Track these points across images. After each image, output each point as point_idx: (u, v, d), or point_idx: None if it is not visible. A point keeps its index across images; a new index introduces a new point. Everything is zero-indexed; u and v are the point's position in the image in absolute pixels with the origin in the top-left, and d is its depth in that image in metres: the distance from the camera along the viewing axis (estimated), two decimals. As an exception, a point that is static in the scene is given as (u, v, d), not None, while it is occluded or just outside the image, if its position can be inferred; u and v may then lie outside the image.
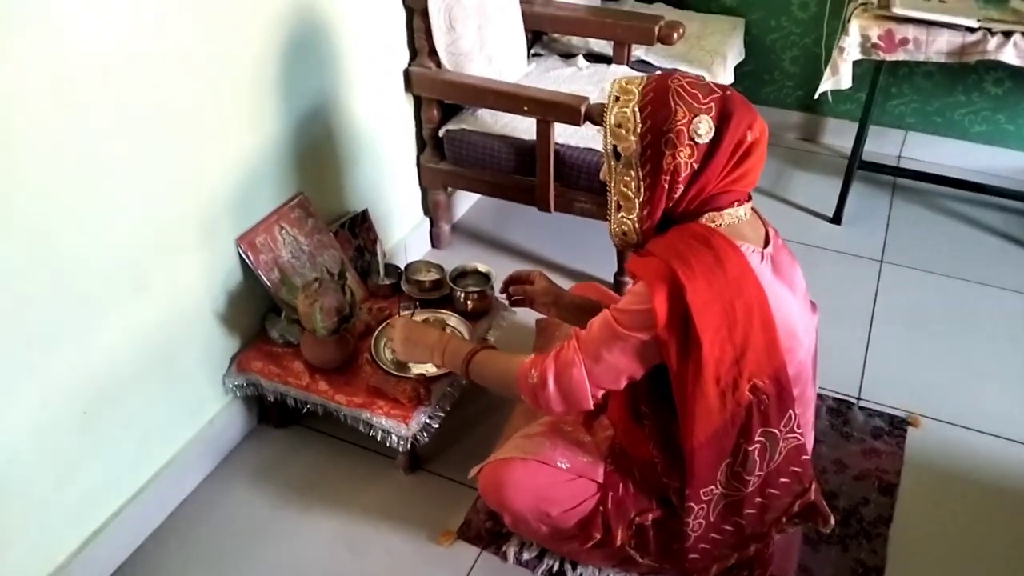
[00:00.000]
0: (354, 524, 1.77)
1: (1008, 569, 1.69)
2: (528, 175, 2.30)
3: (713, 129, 1.26)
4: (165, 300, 1.64)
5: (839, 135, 3.18)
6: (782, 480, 1.41)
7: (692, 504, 1.38)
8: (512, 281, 1.81)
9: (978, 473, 1.89)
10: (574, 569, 1.65)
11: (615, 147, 1.32)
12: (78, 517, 1.59)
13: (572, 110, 2.08)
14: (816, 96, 2.55)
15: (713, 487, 1.38)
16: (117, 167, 1.45)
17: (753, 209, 1.39)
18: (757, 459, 1.36)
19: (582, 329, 1.39)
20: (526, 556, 1.68)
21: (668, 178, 1.29)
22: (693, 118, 1.25)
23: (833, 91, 2.51)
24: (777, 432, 1.36)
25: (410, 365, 1.82)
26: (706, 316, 1.26)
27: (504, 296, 1.84)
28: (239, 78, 1.68)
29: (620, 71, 2.58)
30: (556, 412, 1.43)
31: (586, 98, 2.10)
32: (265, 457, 1.92)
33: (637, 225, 1.36)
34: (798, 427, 1.39)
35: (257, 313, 1.90)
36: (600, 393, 1.39)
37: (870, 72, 2.56)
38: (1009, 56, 2.25)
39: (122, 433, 1.63)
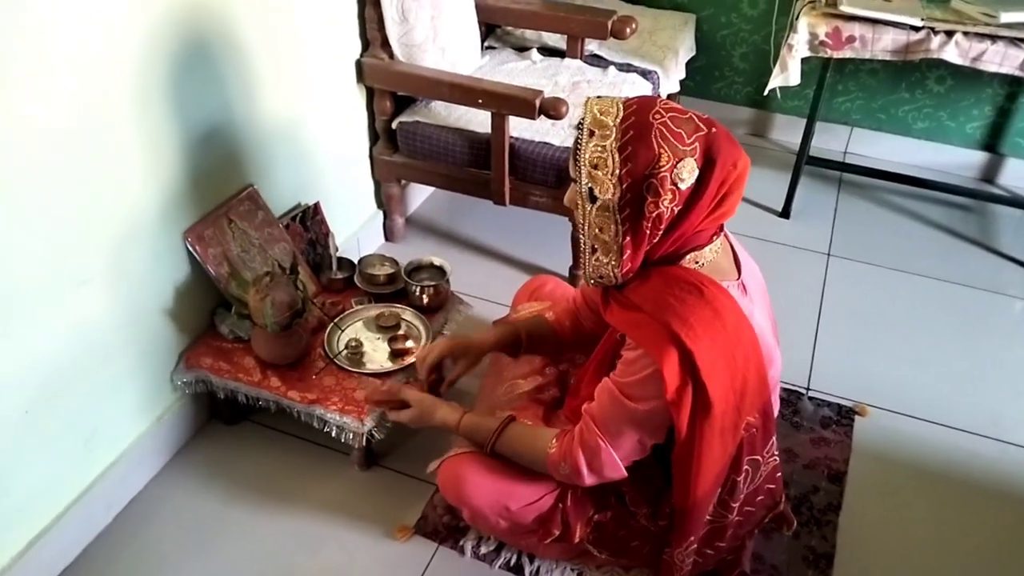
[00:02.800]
0: (309, 521, 1.74)
1: (953, 554, 1.74)
2: (483, 168, 2.28)
3: (697, 172, 1.17)
4: (109, 295, 1.59)
5: (787, 131, 3.23)
6: (759, 498, 1.44)
7: (692, 543, 1.40)
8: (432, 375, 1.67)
9: (924, 460, 1.94)
10: (531, 562, 1.65)
11: (591, 189, 1.20)
12: (21, 518, 1.53)
13: (527, 104, 2.08)
14: (765, 93, 2.59)
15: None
16: (55, 160, 1.40)
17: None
18: (742, 485, 1.38)
19: (590, 404, 1.35)
20: (484, 550, 1.68)
21: (650, 224, 1.20)
22: (677, 163, 1.15)
23: (781, 88, 2.55)
24: (760, 458, 1.38)
25: (364, 361, 1.80)
26: (714, 375, 1.22)
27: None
28: (181, 67, 1.63)
29: (574, 65, 2.59)
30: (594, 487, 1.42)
31: (541, 92, 2.10)
32: (216, 454, 1.88)
33: (617, 270, 1.26)
34: (776, 449, 1.41)
35: (206, 308, 1.86)
36: (631, 462, 1.36)
37: (817, 69, 2.61)
38: (951, 55, 2.31)
39: (66, 432, 1.58)
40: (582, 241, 1.27)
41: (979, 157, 3.06)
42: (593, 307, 1.56)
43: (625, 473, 1.35)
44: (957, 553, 1.74)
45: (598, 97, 1.23)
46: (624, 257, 1.24)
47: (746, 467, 1.36)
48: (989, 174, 3.08)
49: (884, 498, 1.85)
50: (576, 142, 1.21)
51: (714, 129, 1.19)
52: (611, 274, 1.27)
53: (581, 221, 1.25)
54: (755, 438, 1.34)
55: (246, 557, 1.67)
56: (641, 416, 1.28)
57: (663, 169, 1.16)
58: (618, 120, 1.18)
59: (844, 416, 2.03)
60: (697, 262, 1.27)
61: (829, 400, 2.08)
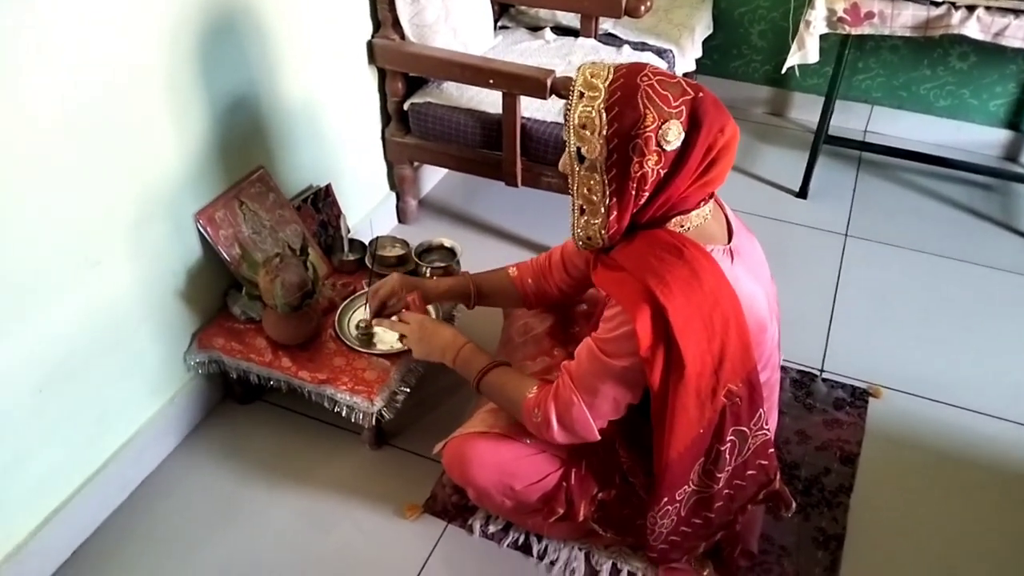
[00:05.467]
0: (320, 500, 1.76)
1: (966, 538, 1.73)
2: (495, 149, 2.28)
3: (683, 135, 1.19)
4: (120, 276, 1.61)
5: (806, 109, 3.19)
6: (749, 472, 1.43)
7: (668, 507, 1.40)
8: (381, 309, 1.71)
9: (938, 443, 1.92)
10: (539, 541, 1.66)
11: (579, 149, 1.23)
12: (36, 496, 1.56)
13: (538, 83, 2.06)
14: (784, 71, 2.55)
15: (686, 487, 1.39)
16: (62, 142, 1.41)
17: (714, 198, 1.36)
18: (728, 456, 1.37)
19: (570, 361, 1.38)
20: (492, 529, 1.69)
21: (635, 185, 1.22)
22: (662, 124, 1.18)
23: (800, 65, 2.51)
24: (747, 430, 1.38)
25: (375, 341, 1.81)
26: (688, 334, 1.23)
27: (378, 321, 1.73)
28: (190, 48, 1.64)
29: (588, 44, 2.56)
30: (564, 445, 1.43)
31: (552, 71, 2.08)
32: (229, 434, 1.90)
33: (603, 232, 1.29)
34: (766, 423, 1.40)
35: (218, 289, 1.87)
36: (605, 422, 1.38)
37: (837, 46, 2.56)
38: (972, 30, 2.26)
39: (80, 411, 1.60)
40: (572, 203, 1.30)
41: (1002, 135, 3.01)
42: (572, 268, 1.61)
43: (597, 435, 1.38)
44: (970, 536, 1.73)
45: (591, 63, 1.26)
46: (610, 218, 1.27)
47: (731, 438, 1.35)
48: (1012, 152, 3.02)
49: (897, 480, 1.83)
50: (566, 104, 1.24)
51: (701, 94, 1.22)
52: (598, 235, 1.30)
53: (570, 181, 1.28)
54: (739, 408, 1.33)
55: (259, 535, 1.69)
56: (617, 372, 1.30)
57: (648, 129, 1.18)
58: (607, 82, 1.21)
59: (858, 398, 2.01)
60: (683, 226, 1.29)
61: (843, 382, 2.06)
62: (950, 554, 1.69)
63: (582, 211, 1.29)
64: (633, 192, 1.23)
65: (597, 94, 1.21)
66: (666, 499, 1.39)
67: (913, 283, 2.42)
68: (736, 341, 1.28)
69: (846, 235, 2.61)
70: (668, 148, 1.19)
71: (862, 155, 3.00)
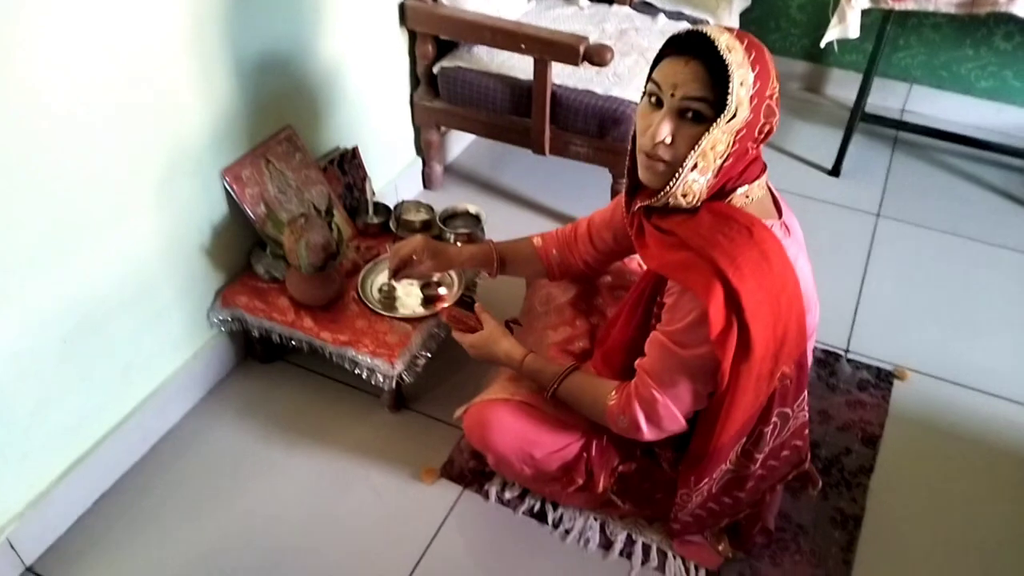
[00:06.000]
0: (338, 461, 1.77)
1: (985, 523, 1.71)
2: (523, 116, 2.25)
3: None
4: (146, 231, 1.61)
5: (843, 86, 3.12)
6: (784, 453, 1.42)
7: (703, 487, 1.39)
8: (401, 267, 1.68)
9: (962, 428, 1.89)
10: (555, 510, 1.66)
11: (731, 104, 1.13)
12: (60, 445, 1.59)
13: (571, 49, 2.03)
14: (822, 45, 2.49)
15: (724, 465, 1.38)
16: (92, 96, 1.41)
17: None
18: (768, 437, 1.36)
19: (643, 359, 1.34)
20: (508, 495, 1.69)
21: (755, 145, 1.20)
22: (777, 86, 1.19)
23: (839, 41, 2.45)
24: (790, 411, 1.36)
25: (397, 305, 1.81)
26: (758, 318, 1.20)
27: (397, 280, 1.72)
28: (221, 5, 1.62)
29: (622, 12, 2.52)
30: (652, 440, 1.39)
31: (585, 38, 2.05)
32: (250, 392, 1.91)
33: (704, 190, 1.22)
34: (807, 405, 1.39)
35: (243, 247, 1.87)
36: (690, 411, 1.34)
37: (878, 22, 2.50)
38: (1020, 8, 2.19)
39: (104, 362, 1.62)
40: (688, 158, 1.18)
41: (1044, 119, 2.93)
42: (599, 242, 1.57)
43: (685, 425, 1.34)
44: (990, 522, 1.70)
45: (691, 27, 1.18)
46: (717, 176, 1.21)
47: (775, 419, 1.34)
48: (1055, 137, 2.95)
49: (919, 463, 1.81)
50: (721, 58, 1.12)
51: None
52: (697, 194, 1.22)
53: (693, 138, 1.17)
54: (787, 390, 1.32)
55: (277, 494, 1.71)
56: (694, 363, 1.26)
57: (776, 91, 1.18)
58: (736, 43, 1.13)
59: (882, 379, 1.99)
60: (748, 196, 1.25)
61: (868, 363, 2.03)
62: (969, 539, 1.67)
63: (694, 167, 1.19)
64: (752, 152, 1.22)
65: (739, 54, 1.13)
66: (706, 480, 1.38)
67: (945, 266, 2.37)
68: (795, 324, 1.26)
69: (878, 215, 2.57)
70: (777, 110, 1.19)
71: (898, 134, 2.94)
